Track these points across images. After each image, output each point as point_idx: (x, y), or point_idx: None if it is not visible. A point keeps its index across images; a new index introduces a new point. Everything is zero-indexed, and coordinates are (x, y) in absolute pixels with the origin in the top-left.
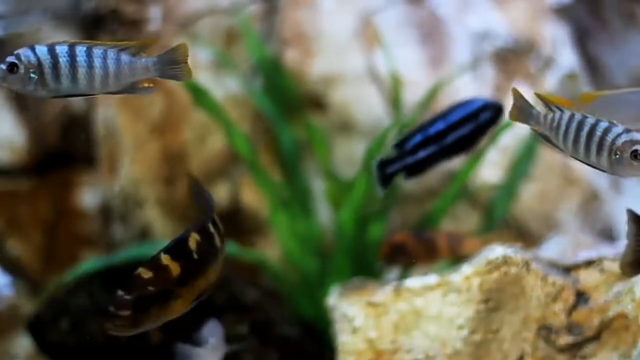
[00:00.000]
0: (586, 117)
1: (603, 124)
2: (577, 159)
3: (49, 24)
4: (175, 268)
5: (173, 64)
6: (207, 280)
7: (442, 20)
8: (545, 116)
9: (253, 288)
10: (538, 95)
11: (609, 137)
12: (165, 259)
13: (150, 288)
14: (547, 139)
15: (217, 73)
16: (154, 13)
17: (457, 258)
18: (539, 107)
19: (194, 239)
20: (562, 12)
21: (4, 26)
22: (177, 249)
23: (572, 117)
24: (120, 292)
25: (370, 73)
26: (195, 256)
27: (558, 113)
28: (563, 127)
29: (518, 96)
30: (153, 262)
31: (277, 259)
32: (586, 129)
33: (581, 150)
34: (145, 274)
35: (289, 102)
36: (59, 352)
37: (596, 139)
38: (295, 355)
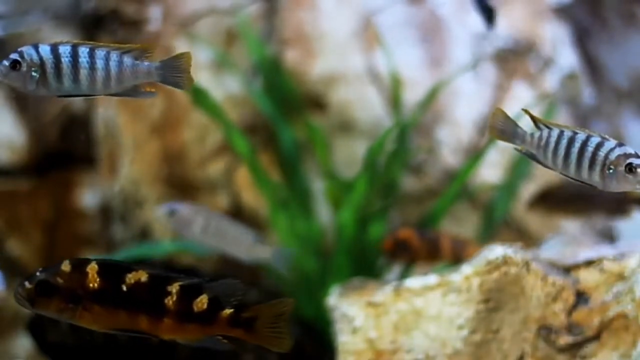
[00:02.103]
0: (577, 133)
1: (595, 139)
2: (566, 176)
3: (49, 24)
4: (94, 280)
5: (175, 71)
6: (125, 321)
7: (442, 20)
8: (532, 134)
9: (253, 288)
10: (526, 112)
11: (602, 152)
12: (91, 267)
13: (59, 280)
14: (532, 157)
15: (217, 73)
16: (154, 13)
17: (459, 262)
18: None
19: (137, 277)
20: (562, 12)
21: (4, 26)
22: (110, 267)
23: (561, 134)
24: (40, 268)
25: (370, 73)
26: (125, 289)
27: (546, 131)
28: (552, 145)
29: (501, 115)
30: (79, 261)
31: None
32: (577, 144)
33: (572, 166)
34: (65, 266)
35: (289, 102)
36: (59, 352)
37: (588, 154)
38: (295, 355)
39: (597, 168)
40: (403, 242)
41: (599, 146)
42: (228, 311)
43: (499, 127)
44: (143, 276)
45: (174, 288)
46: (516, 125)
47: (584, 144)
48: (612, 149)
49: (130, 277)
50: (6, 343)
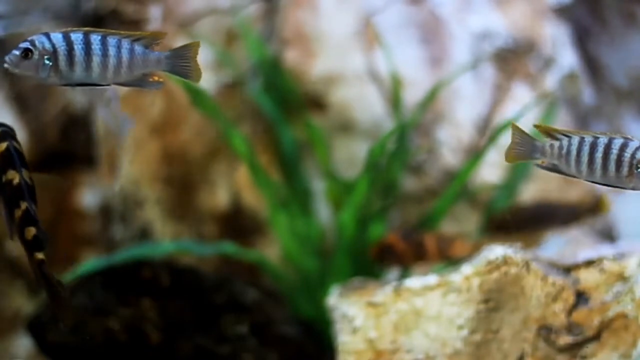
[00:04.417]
0: (598, 137)
1: (618, 141)
2: (593, 182)
3: (49, 24)
4: None
5: (184, 61)
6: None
7: (442, 20)
8: (552, 145)
9: (253, 288)
10: (538, 127)
11: (628, 152)
12: (4, 148)
13: None
14: (554, 170)
15: (217, 73)
16: (154, 13)
17: (447, 260)
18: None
19: (11, 177)
20: (562, 12)
21: (4, 26)
22: (9, 159)
23: (582, 140)
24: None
25: (370, 73)
26: (2, 179)
27: (566, 140)
28: (574, 153)
29: (518, 132)
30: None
31: (277, 259)
32: (601, 149)
33: (598, 171)
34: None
35: (289, 102)
36: (59, 352)
37: (613, 156)
38: (295, 355)
39: (624, 169)
40: (388, 247)
41: (623, 147)
42: (42, 256)
43: (518, 145)
44: (15, 179)
45: (23, 205)
46: (533, 138)
47: (607, 147)
48: (638, 148)
49: (9, 174)
50: (6, 343)
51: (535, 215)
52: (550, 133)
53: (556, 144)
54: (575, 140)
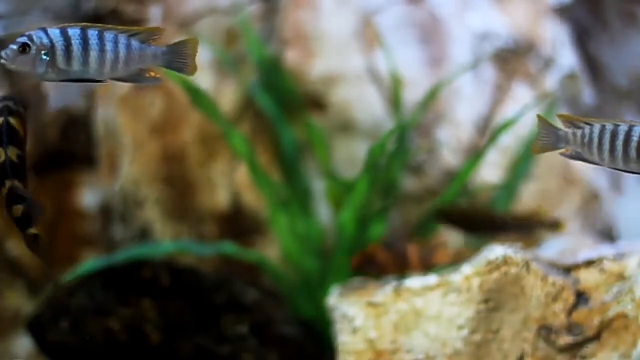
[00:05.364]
0: (618, 125)
1: (638, 128)
2: (615, 169)
3: (49, 24)
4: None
5: (181, 57)
6: None
7: (442, 20)
8: (574, 133)
9: (253, 288)
10: (560, 116)
11: None
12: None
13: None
14: (578, 158)
15: (217, 73)
16: (154, 13)
17: (429, 268)
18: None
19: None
20: (562, 12)
21: (4, 26)
22: (3, 137)
23: (603, 128)
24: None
25: (370, 73)
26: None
27: (587, 128)
28: (596, 140)
29: (543, 123)
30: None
31: (277, 259)
32: (621, 136)
33: (619, 159)
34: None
35: (289, 102)
36: (59, 352)
37: (634, 144)
38: (295, 355)
39: None
40: (369, 257)
41: None
42: (34, 230)
43: (544, 136)
44: (1, 157)
45: (8, 184)
46: (557, 128)
47: (628, 134)
48: None
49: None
50: (6, 343)
51: (485, 222)
52: (572, 122)
53: (579, 132)
54: (597, 128)
